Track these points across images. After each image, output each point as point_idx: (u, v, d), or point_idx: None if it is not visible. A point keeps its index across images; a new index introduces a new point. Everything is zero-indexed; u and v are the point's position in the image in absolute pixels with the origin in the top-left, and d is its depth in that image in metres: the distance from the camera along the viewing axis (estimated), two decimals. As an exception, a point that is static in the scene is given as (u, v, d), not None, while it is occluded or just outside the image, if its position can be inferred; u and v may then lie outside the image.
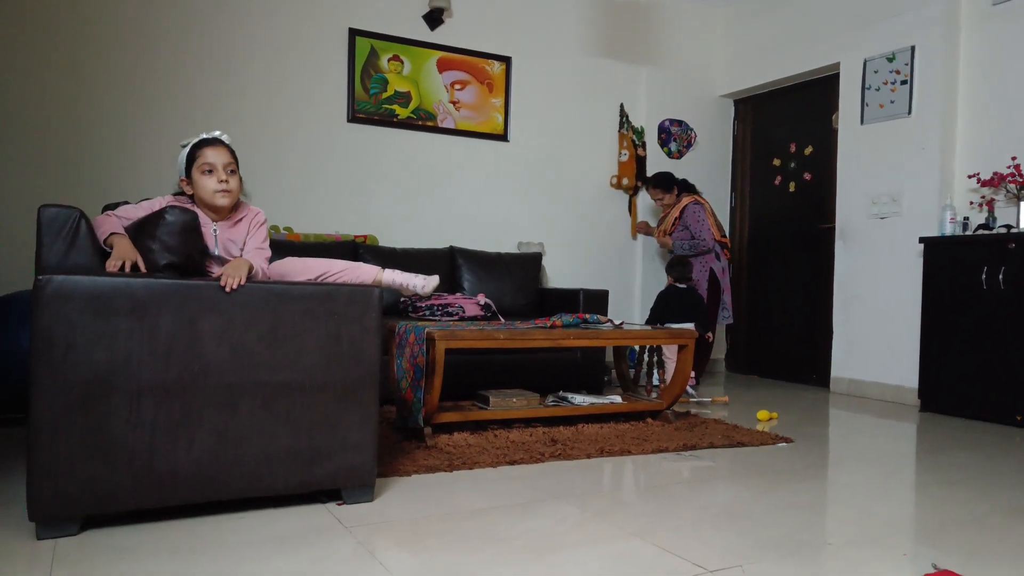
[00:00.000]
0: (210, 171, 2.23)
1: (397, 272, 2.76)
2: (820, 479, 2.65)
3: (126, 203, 2.26)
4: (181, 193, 2.31)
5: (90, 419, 1.80)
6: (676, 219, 4.89)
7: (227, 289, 1.94)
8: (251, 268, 2.09)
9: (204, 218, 2.26)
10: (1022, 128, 4.17)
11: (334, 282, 2.36)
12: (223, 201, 2.26)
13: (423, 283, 2.83)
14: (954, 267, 4.13)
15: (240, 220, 2.35)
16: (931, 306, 4.25)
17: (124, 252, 1.93)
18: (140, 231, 2.03)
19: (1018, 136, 4.18)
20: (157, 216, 2.03)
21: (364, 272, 2.56)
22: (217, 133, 2.32)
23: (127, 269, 1.89)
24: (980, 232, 4.13)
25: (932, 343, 4.24)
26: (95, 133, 3.99)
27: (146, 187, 3.92)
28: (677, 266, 4.64)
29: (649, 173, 5.58)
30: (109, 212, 2.12)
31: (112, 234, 1.98)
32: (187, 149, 2.28)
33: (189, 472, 1.90)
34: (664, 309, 4.54)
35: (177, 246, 2.01)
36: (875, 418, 3.99)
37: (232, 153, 2.30)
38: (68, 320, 1.77)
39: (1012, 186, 4.11)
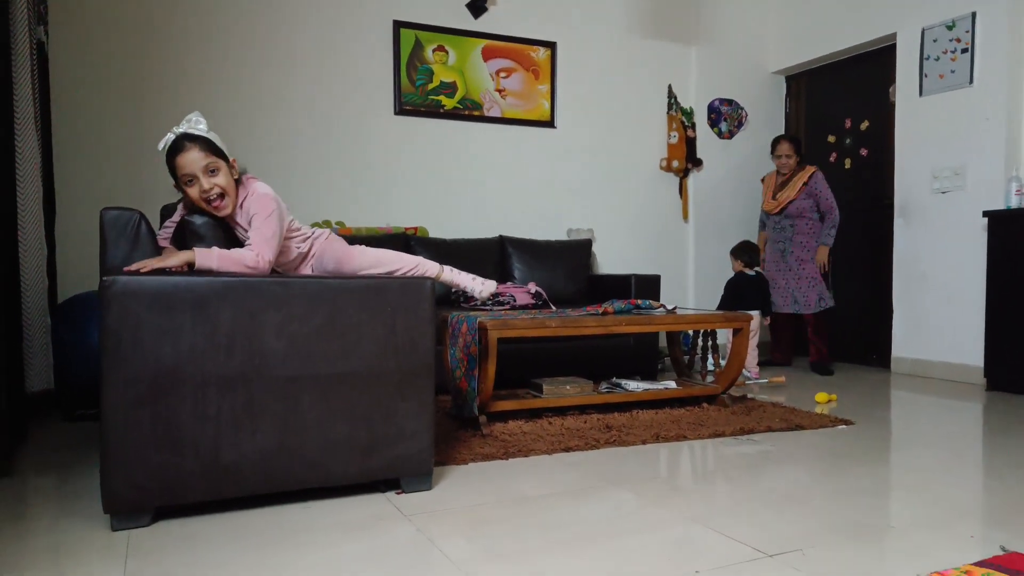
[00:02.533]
0: (191, 181, 2.11)
1: (456, 271, 2.82)
2: (882, 462, 2.59)
3: (181, 203, 2.35)
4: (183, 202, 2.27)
5: (158, 412, 1.87)
6: (802, 185, 4.84)
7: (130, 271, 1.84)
8: (188, 262, 1.94)
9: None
10: (1094, 93, 3.97)
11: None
12: (221, 212, 2.17)
13: (480, 288, 2.88)
14: (1020, 241, 3.98)
15: (244, 201, 2.22)
16: (996, 282, 4.10)
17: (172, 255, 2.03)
18: (177, 241, 2.16)
19: (1090, 102, 3.98)
20: (183, 227, 2.12)
21: (429, 269, 2.61)
22: (187, 124, 2.12)
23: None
24: (1050, 204, 3.97)
25: (998, 320, 4.09)
26: (153, 132, 4.11)
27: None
28: (747, 251, 4.64)
29: (699, 155, 5.52)
30: (159, 233, 2.24)
31: (164, 248, 2.11)
32: (165, 158, 2.13)
33: (253, 462, 1.96)
34: (734, 296, 4.52)
35: (211, 244, 2.11)
36: (939, 398, 3.87)
37: (208, 146, 2.11)
38: (134, 318, 1.84)
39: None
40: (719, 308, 4.60)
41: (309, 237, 2.48)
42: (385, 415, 2.11)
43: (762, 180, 5.20)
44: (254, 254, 2.10)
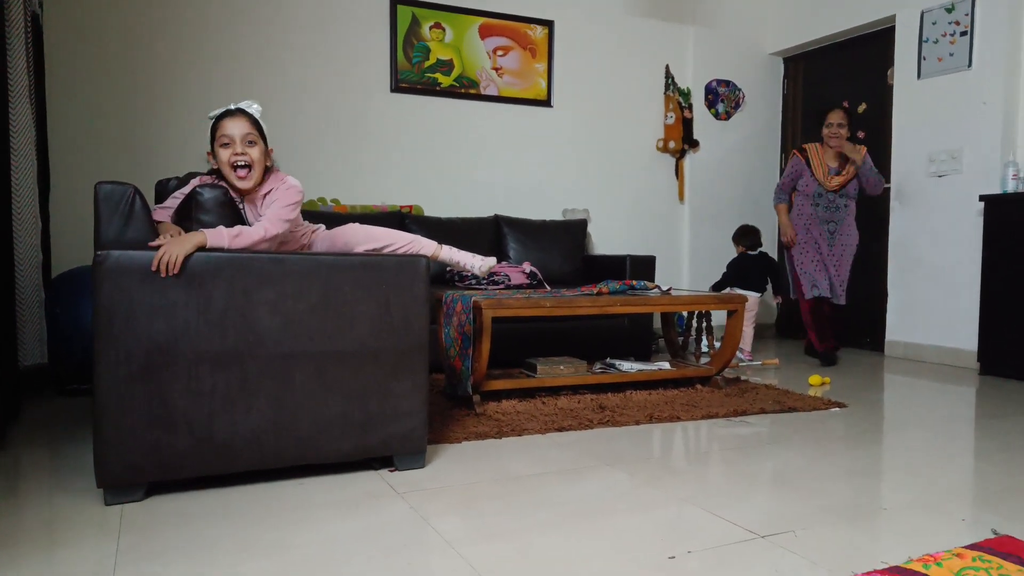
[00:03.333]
0: (227, 143, 2.19)
1: (455, 250, 2.78)
2: (875, 444, 2.60)
3: (176, 179, 2.32)
4: (212, 172, 2.28)
5: (151, 388, 1.86)
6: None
7: (154, 270, 1.83)
8: (201, 244, 1.91)
9: (234, 195, 2.22)
10: (1093, 78, 3.96)
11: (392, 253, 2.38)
12: (241, 183, 2.20)
13: (480, 264, 2.85)
14: (1016, 225, 3.98)
15: (268, 193, 2.25)
16: (992, 266, 4.11)
17: (166, 231, 2.01)
18: (181, 214, 2.12)
19: (1088, 87, 3.97)
20: (190, 197, 2.09)
21: (425, 247, 2.58)
22: (246, 103, 2.26)
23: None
24: (1046, 189, 3.97)
25: (993, 304, 4.10)
26: (147, 108, 4.07)
27: (194, 161, 3.99)
28: (748, 235, 4.68)
29: (696, 136, 5.49)
30: (157, 207, 2.19)
31: (158, 223, 2.06)
32: (212, 122, 2.24)
33: (247, 439, 1.96)
34: (737, 276, 4.54)
35: (215, 222, 2.06)
36: (932, 382, 3.89)
37: (255, 123, 2.23)
38: (127, 293, 1.83)
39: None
40: (717, 287, 4.59)
41: (308, 232, 2.48)
42: (379, 393, 2.11)
43: (797, 153, 4.53)
44: (263, 230, 2.09)
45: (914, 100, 4.69)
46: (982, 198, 4.16)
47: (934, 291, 4.57)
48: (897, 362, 4.61)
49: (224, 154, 2.19)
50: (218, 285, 1.91)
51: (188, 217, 2.09)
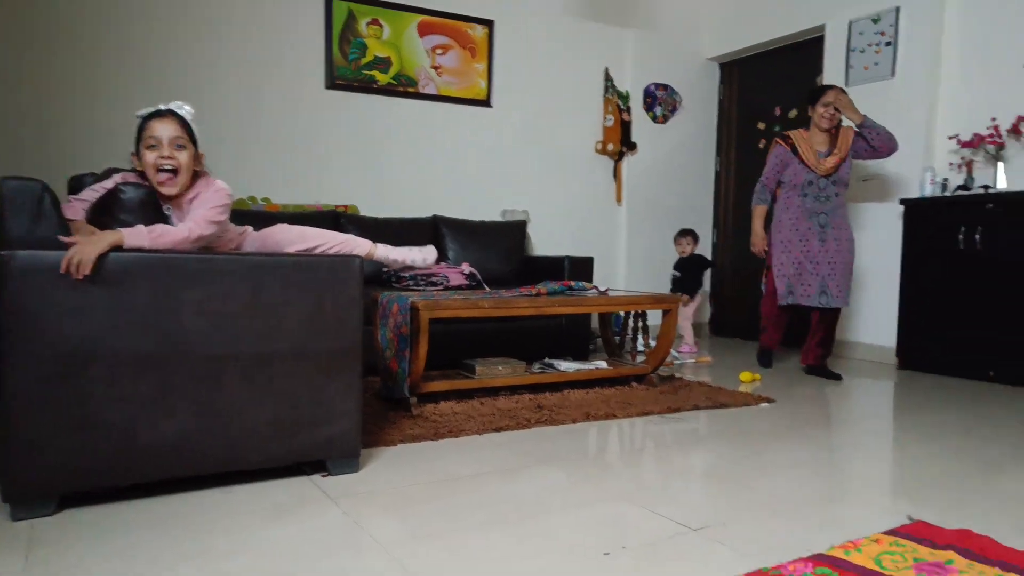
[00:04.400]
0: (154, 146, 2.08)
1: (391, 248, 2.73)
2: (802, 439, 2.68)
3: (92, 175, 2.22)
4: (135, 170, 2.18)
5: (66, 394, 1.78)
6: (849, 144, 3.95)
7: (63, 272, 1.74)
8: (116, 244, 1.82)
9: (160, 197, 2.13)
10: (1002, 89, 4.16)
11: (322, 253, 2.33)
12: (165, 188, 2.10)
13: (422, 256, 2.80)
14: (933, 228, 4.16)
15: (195, 198, 2.15)
16: (910, 267, 4.28)
17: (80, 231, 1.91)
18: (98, 211, 2.00)
19: (998, 97, 4.17)
20: (111, 195, 2.00)
21: (359, 247, 2.53)
22: (176, 104, 2.17)
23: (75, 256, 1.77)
24: (958, 193, 4.15)
25: (910, 303, 4.28)
26: (61, 102, 3.91)
27: (113, 158, 3.84)
28: (689, 234, 4.99)
29: (634, 138, 5.56)
30: (72, 198, 2.09)
31: (71, 221, 1.96)
32: (140, 121, 2.13)
33: (171, 445, 1.89)
34: (688, 277, 4.95)
35: (136, 224, 1.95)
36: (855, 377, 4.03)
37: (185, 125, 2.14)
38: (37, 295, 1.74)
39: (991, 147, 4.12)
40: (685, 291, 4.88)
41: (236, 235, 2.40)
42: (310, 396, 2.06)
43: (780, 141, 4.06)
44: (187, 230, 2.01)
45: (840, 106, 4.85)
46: (902, 202, 4.33)
47: (859, 291, 4.73)
48: (825, 360, 4.75)
49: (150, 156, 2.09)
50: (140, 286, 1.84)
51: (107, 214, 1.99)
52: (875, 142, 3.86)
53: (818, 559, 1.53)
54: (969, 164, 4.23)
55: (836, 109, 3.91)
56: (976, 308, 3.93)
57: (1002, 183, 4.07)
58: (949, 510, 1.92)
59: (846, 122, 4.05)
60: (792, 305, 4.04)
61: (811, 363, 4.08)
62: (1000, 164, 4.08)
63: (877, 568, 1.49)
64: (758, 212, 4.19)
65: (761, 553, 1.61)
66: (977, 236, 3.92)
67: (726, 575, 1.49)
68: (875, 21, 4.64)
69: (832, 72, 4.91)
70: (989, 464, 2.36)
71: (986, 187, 4.04)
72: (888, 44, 4.57)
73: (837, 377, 3.93)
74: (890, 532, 1.69)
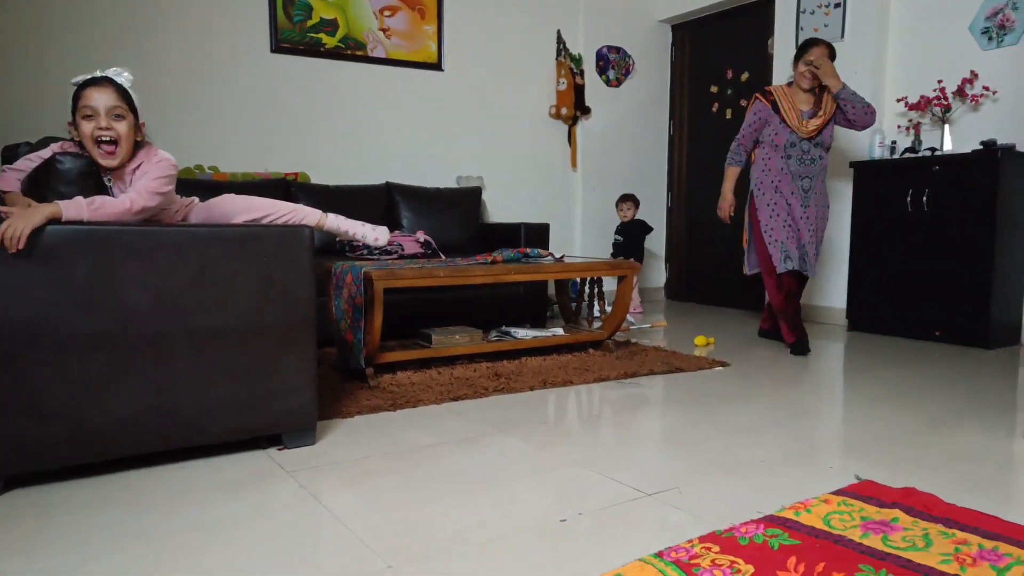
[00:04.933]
0: (90, 116, 1.99)
1: (342, 218, 2.66)
2: (755, 401, 2.73)
3: (27, 144, 2.11)
4: (73, 140, 2.09)
5: (10, 375, 1.71)
6: (834, 107, 3.66)
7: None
8: (54, 216, 1.75)
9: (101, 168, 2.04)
10: (949, 52, 4.23)
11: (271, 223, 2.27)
12: (106, 160, 2.00)
13: (374, 235, 2.75)
14: (881, 191, 4.24)
15: (138, 168, 2.07)
16: (859, 229, 4.37)
17: (16, 203, 1.82)
18: (35, 182, 1.92)
19: (945, 60, 4.24)
20: (48, 165, 1.91)
21: (309, 216, 2.47)
22: (113, 71, 2.07)
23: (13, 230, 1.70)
24: (906, 155, 4.23)
25: (860, 265, 4.37)
26: (-4, 69, 3.72)
27: (47, 127, 3.67)
28: (630, 199, 5.06)
29: (587, 102, 5.53)
30: (5, 168, 1.99)
31: (5, 192, 1.87)
32: (75, 89, 2.03)
33: (122, 424, 1.84)
34: (629, 241, 5.05)
35: (75, 196, 1.88)
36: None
37: (123, 94, 2.04)
38: (-28, 272, 1.66)
39: (937, 109, 4.19)
40: (626, 255, 4.85)
41: (182, 206, 2.32)
42: (264, 369, 2.03)
43: (761, 97, 3.76)
44: (128, 201, 1.93)
45: (791, 69, 4.87)
46: (852, 165, 4.40)
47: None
48: (776, 321, 4.84)
49: (87, 127, 1.99)
50: (80, 261, 1.77)
51: (44, 186, 1.91)
52: (851, 115, 3.61)
53: (769, 520, 1.57)
54: (917, 126, 4.31)
55: (816, 66, 3.60)
56: (923, 269, 4.04)
57: (948, 145, 4.16)
58: (898, 469, 1.98)
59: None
60: (785, 273, 3.69)
61: (768, 328, 4.06)
62: (946, 126, 4.16)
63: (825, 528, 1.53)
64: (730, 174, 3.90)
65: (715, 516, 1.64)
66: (924, 198, 4.00)
67: (681, 538, 1.51)
68: (825, -17, 4.66)
69: (783, 34, 4.93)
70: (936, 422, 2.44)
71: (933, 149, 4.12)
72: (837, 6, 4.60)
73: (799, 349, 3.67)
74: (839, 492, 1.74)
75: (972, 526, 1.53)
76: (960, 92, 4.10)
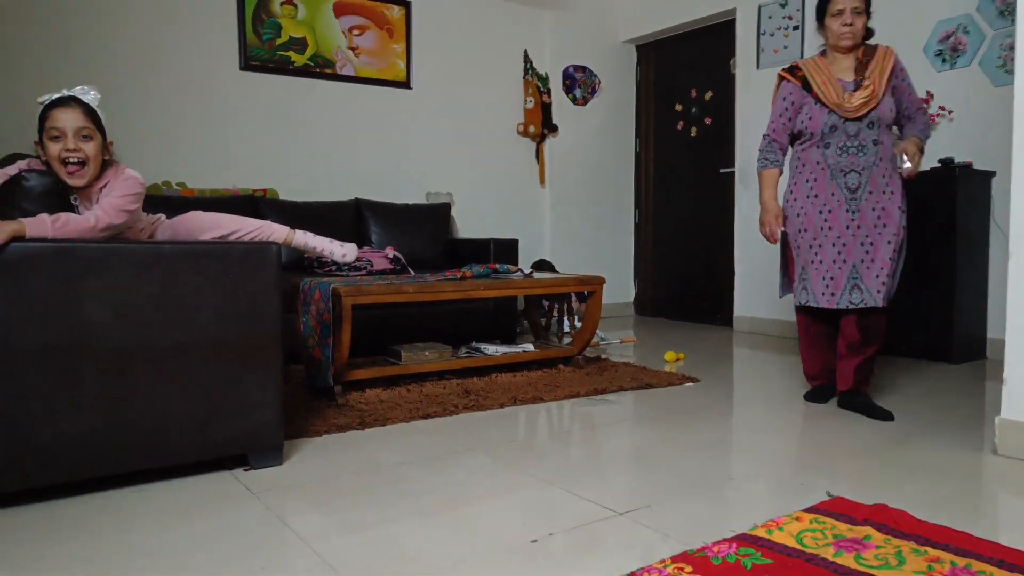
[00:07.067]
0: (58, 137, 1.96)
1: (310, 235, 2.63)
2: (725, 417, 2.75)
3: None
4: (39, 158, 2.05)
5: (-41, 395, 1.66)
6: (890, 72, 2.73)
7: None
8: (17, 234, 1.72)
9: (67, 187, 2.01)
10: (907, 72, 4.33)
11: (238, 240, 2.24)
12: (73, 180, 1.97)
13: (342, 251, 2.72)
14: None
15: (105, 186, 2.04)
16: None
17: None
18: (7, 203, 1.87)
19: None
20: (13, 182, 1.87)
21: (276, 233, 2.44)
22: (80, 89, 2.04)
23: None
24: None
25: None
26: (-48, 83, 3.63)
27: (13, 145, 3.60)
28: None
29: (555, 120, 5.56)
30: None
31: None
32: (41, 109, 2.00)
33: (76, 444, 1.79)
34: None
35: (41, 212, 1.84)
36: (774, 354, 4.17)
37: (91, 114, 2.01)
38: (-75, 290, 1.61)
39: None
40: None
41: (148, 224, 2.28)
42: (228, 388, 1.98)
43: (787, 75, 2.85)
44: (94, 219, 1.90)
45: (754, 89, 4.97)
46: (815, 182, 4.47)
47: (773, 268, 4.88)
48: (744, 336, 4.90)
49: (54, 148, 1.96)
50: (37, 276, 1.73)
51: (8, 203, 1.87)
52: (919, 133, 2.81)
53: (741, 539, 1.57)
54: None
55: (857, 13, 2.70)
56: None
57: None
58: (863, 483, 2.00)
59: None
60: (819, 310, 2.82)
61: (846, 388, 2.82)
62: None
63: (798, 546, 1.53)
64: (765, 179, 2.93)
65: (685, 535, 1.64)
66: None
67: (653, 558, 1.51)
68: (782, 5, 4.76)
69: (744, 55, 5.02)
70: (900, 438, 2.47)
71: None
72: (796, 28, 4.70)
73: (886, 415, 2.68)
74: (810, 509, 1.74)
75: (944, 543, 1.54)
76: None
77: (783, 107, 2.86)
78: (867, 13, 2.75)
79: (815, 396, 2.96)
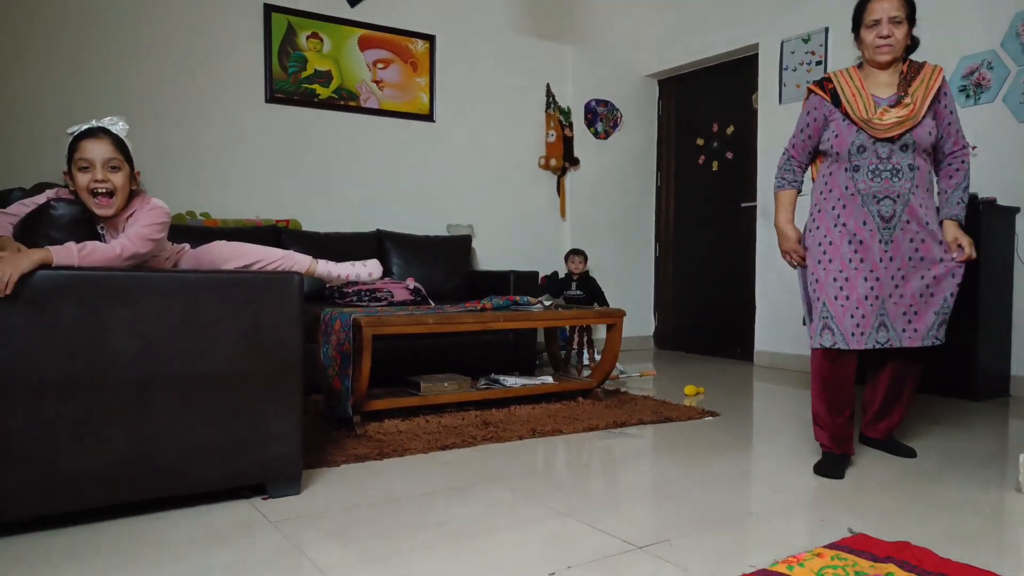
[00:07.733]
0: (86, 168, 1.98)
1: (332, 263, 2.65)
2: (745, 451, 2.71)
3: (21, 189, 2.12)
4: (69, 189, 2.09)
5: (-17, 421, 1.68)
6: (935, 93, 2.43)
7: None
8: (44, 262, 1.75)
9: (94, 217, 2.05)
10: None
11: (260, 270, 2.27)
12: (101, 210, 2.01)
13: (367, 271, 2.73)
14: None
15: (131, 215, 2.07)
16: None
17: (6, 247, 1.81)
18: (27, 227, 1.92)
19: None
20: (41, 211, 1.92)
21: (298, 263, 2.46)
22: (109, 120, 2.07)
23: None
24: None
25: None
26: (-10, 115, 3.74)
27: (45, 174, 3.69)
28: (582, 253, 5.15)
29: (576, 154, 5.61)
30: None
31: None
32: (71, 140, 2.03)
33: (99, 473, 1.81)
34: (589, 293, 5.09)
35: (68, 240, 1.88)
36: (795, 388, 4.12)
37: (119, 145, 2.04)
38: (-43, 316, 1.65)
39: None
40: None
41: (173, 253, 2.33)
42: (249, 417, 2.00)
43: (816, 88, 2.55)
44: (119, 247, 1.93)
45: (776, 123, 4.98)
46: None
47: (794, 303, 4.85)
48: (764, 370, 4.85)
49: (83, 179, 1.99)
50: (66, 305, 1.76)
51: (36, 231, 1.92)
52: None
53: (762, 575, 1.54)
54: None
55: (896, 23, 2.40)
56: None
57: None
58: (886, 519, 1.96)
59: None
60: (836, 350, 2.42)
61: (875, 437, 2.71)
62: (927, 180, 4.22)
63: (819, 580, 1.51)
64: (781, 201, 2.69)
65: (705, 570, 1.61)
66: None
67: (673, 591, 1.49)
68: (805, 41, 4.79)
69: (767, 90, 5.04)
70: (926, 472, 2.43)
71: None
72: (819, 63, 4.72)
73: (909, 452, 2.62)
74: (831, 545, 1.71)
75: (966, 580, 1.51)
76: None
77: (806, 122, 2.58)
78: (910, 21, 2.42)
79: (828, 468, 2.41)
